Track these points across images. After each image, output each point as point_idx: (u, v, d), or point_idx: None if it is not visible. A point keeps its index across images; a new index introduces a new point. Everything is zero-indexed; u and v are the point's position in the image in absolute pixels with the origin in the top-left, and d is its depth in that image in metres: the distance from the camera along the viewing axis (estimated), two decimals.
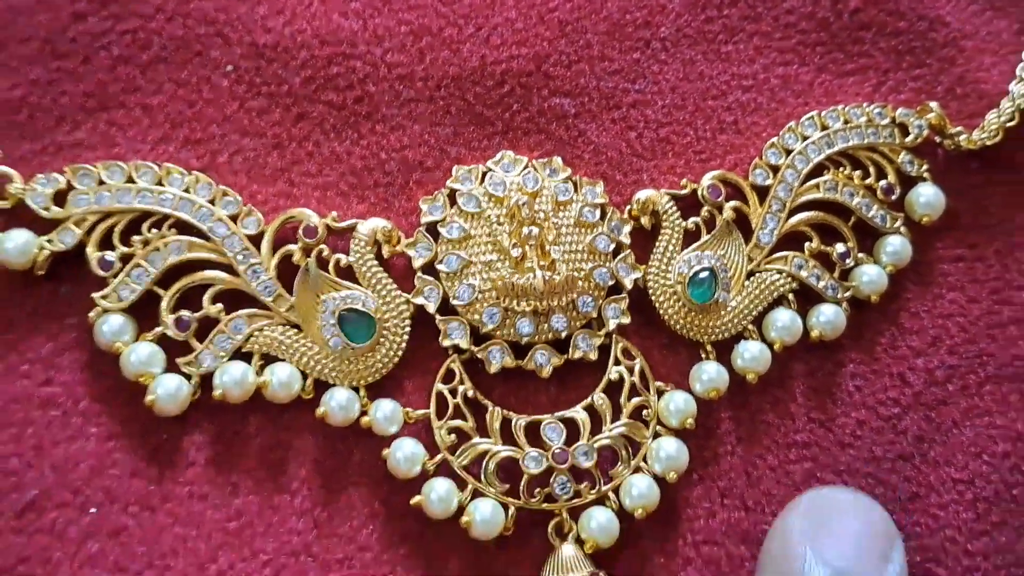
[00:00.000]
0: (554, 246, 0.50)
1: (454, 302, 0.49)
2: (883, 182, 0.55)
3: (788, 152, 0.54)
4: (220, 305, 0.49)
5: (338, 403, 0.48)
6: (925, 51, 0.58)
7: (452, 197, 0.51)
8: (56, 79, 0.51)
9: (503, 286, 0.49)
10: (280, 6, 0.53)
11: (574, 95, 0.55)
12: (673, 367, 0.52)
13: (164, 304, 0.48)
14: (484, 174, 0.52)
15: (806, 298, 0.53)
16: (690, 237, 0.53)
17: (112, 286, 0.48)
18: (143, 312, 0.48)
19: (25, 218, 0.49)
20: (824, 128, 0.55)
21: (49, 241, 0.48)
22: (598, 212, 0.51)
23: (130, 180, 0.49)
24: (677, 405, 0.50)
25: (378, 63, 0.53)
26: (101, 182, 0.49)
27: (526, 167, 0.52)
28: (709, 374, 0.51)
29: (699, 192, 0.53)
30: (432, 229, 0.51)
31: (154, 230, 0.49)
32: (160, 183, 0.49)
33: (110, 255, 0.48)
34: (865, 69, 0.57)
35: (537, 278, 0.49)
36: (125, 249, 0.49)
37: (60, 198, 0.49)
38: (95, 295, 0.48)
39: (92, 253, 0.48)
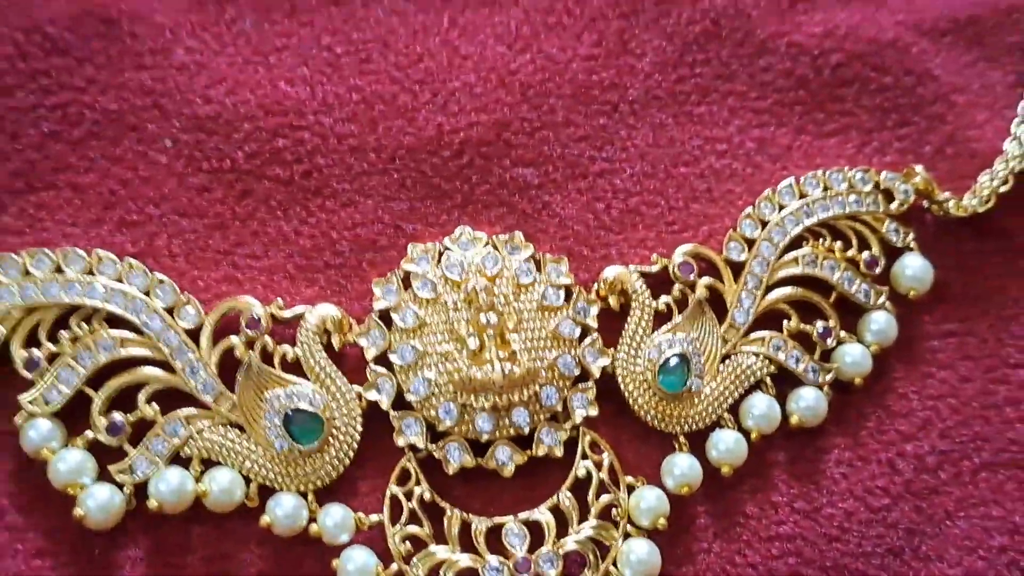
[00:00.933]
0: (515, 334, 0.47)
1: (409, 397, 0.46)
2: (866, 254, 0.52)
3: (764, 223, 0.51)
4: (156, 406, 0.45)
5: (284, 511, 0.45)
6: (912, 108, 0.55)
7: (407, 280, 0.48)
8: None
9: (460, 380, 0.45)
10: (222, 75, 0.50)
11: (537, 164, 0.51)
12: (644, 459, 0.48)
13: (95, 406, 0.45)
14: (441, 253, 0.48)
15: (785, 380, 0.50)
16: (661, 318, 0.49)
17: (39, 388, 0.45)
18: (73, 414, 0.45)
19: None
20: (802, 196, 0.52)
21: None
22: (562, 293, 0.48)
23: (58, 269, 0.46)
24: (648, 503, 0.47)
25: (328, 134, 0.50)
26: (27, 272, 0.46)
27: (486, 244, 0.49)
28: (681, 468, 0.47)
29: (670, 269, 0.50)
30: (385, 315, 0.47)
31: (84, 324, 0.45)
32: (91, 272, 0.46)
33: (36, 353, 0.45)
34: (847, 129, 0.54)
35: (496, 371, 0.45)
36: (52, 347, 0.45)
37: None
38: (21, 397, 0.45)
39: (17, 352, 0.45)
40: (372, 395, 0.46)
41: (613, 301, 0.49)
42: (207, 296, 0.48)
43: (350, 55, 0.52)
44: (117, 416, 0.45)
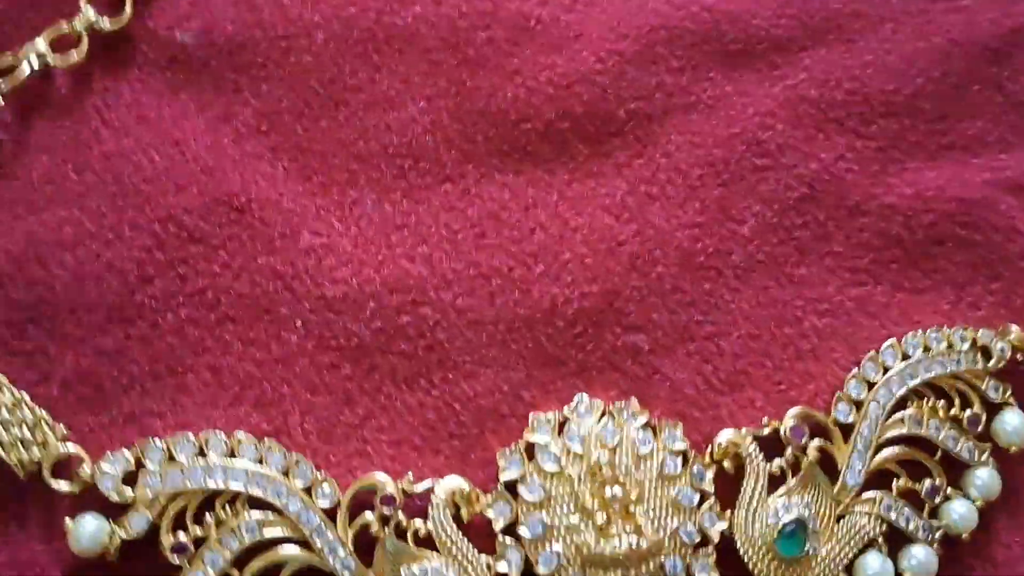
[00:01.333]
0: (638, 506, 0.48)
1: (539, 570, 0.48)
2: (968, 412, 0.53)
3: (870, 384, 0.52)
4: None
5: None
6: (1002, 262, 0.57)
7: (530, 450, 0.50)
8: (124, 347, 0.50)
9: (589, 555, 0.47)
10: (347, 257, 0.53)
11: (647, 330, 0.53)
12: None
13: None
14: (562, 424, 0.50)
15: (895, 537, 0.51)
16: (774, 480, 0.51)
17: (187, 573, 0.47)
18: None
19: (94, 500, 0.47)
20: (905, 357, 0.53)
21: (120, 527, 0.47)
22: (680, 460, 0.50)
23: (201, 452, 0.48)
24: None
25: (448, 308, 0.53)
26: (171, 458, 0.48)
27: (604, 414, 0.51)
28: None
29: (782, 432, 0.51)
30: (511, 486, 0.49)
31: (228, 508, 0.48)
32: (232, 454, 0.48)
33: (183, 538, 0.47)
34: (941, 285, 0.56)
35: (623, 546, 0.47)
36: (199, 531, 0.47)
37: (129, 477, 0.48)
38: None
39: (166, 539, 0.47)
40: (502, 567, 0.48)
41: (728, 464, 0.51)
42: (339, 471, 0.50)
43: (466, 231, 0.54)
44: None
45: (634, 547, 0.47)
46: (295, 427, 0.51)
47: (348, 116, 0.55)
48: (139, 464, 0.48)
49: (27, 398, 0.48)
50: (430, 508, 0.49)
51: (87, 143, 0.54)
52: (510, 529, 0.49)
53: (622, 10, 0.58)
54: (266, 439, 0.49)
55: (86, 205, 0.52)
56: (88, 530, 0.47)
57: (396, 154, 0.55)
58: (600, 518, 0.48)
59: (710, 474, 0.50)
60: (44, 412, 0.48)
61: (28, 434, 0.48)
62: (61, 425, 0.48)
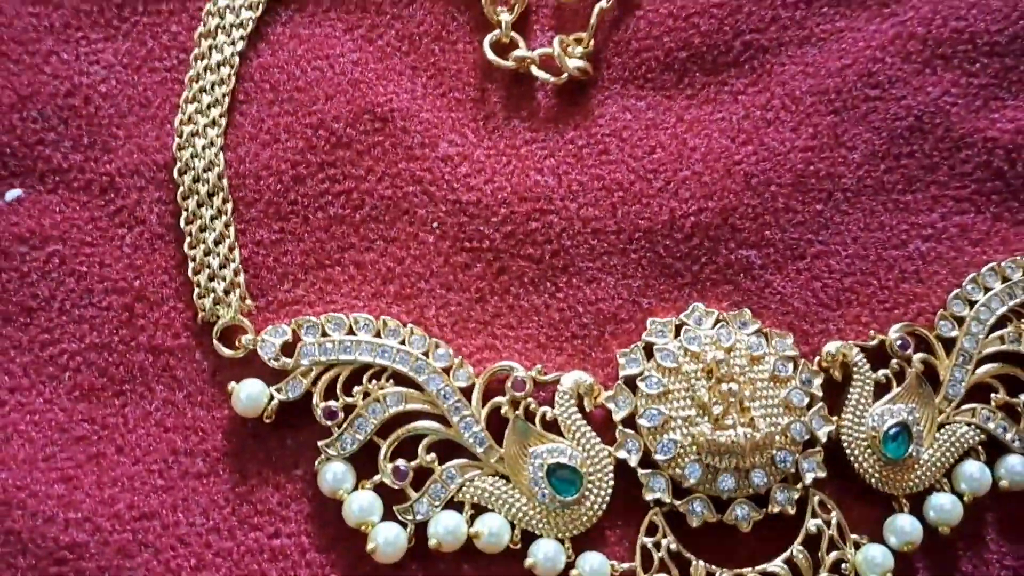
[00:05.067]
0: (753, 402, 0.52)
1: (656, 457, 0.51)
2: None
3: (971, 303, 0.55)
4: (434, 455, 0.51)
5: (545, 554, 0.50)
6: None
7: (648, 350, 0.53)
8: (278, 239, 0.55)
9: (705, 443, 0.50)
10: (481, 165, 0.56)
11: (760, 247, 0.57)
12: (866, 519, 0.53)
13: (382, 453, 0.51)
14: (678, 328, 0.54)
15: (993, 447, 0.54)
16: (879, 389, 0.54)
17: (336, 435, 0.51)
18: (361, 460, 0.51)
19: (255, 368, 0.52)
20: (1005, 279, 0.56)
21: (278, 391, 0.51)
22: (791, 365, 0.53)
23: (351, 332, 0.52)
24: (876, 559, 0.51)
25: (573, 218, 0.56)
26: (325, 334, 0.52)
27: (718, 320, 0.54)
28: (905, 528, 0.52)
29: (888, 345, 0.54)
30: (630, 382, 0.53)
31: (374, 381, 0.52)
32: (379, 335, 0.52)
33: (334, 405, 0.51)
34: None
35: (739, 436, 0.50)
36: (348, 399, 0.51)
37: (287, 349, 0.52)
38: (321, 443, 0.51)
39: (318, 403, 0.51)
40: (622, 454, 0.52)
41: (835, 372, 0.54)
42: (471, 361, 0.54)
43: (590, 147, 0.58)
44: (401, 463, 0.51)
45: (748, 438, 0.50)
46: (430, 320, 0.54)
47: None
48: (296, 339, 0.52)
49: (238, 260, 0.53)
50: (556, 396, 0.52)
51: (246, 55, 0.58)
52: (629, 421, 0.52)
53: None
54: (410, 324, 0.53)
55: (245, 111, 0.57)
56: (251, 392, 0.51)
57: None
58: (717, 410, 0.51)
59: (818, 380, 0.53)
60: (243, 280, 0.52)
61: (223, 292, 0.52)
62: (250, 299, 0.52)
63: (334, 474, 0.50)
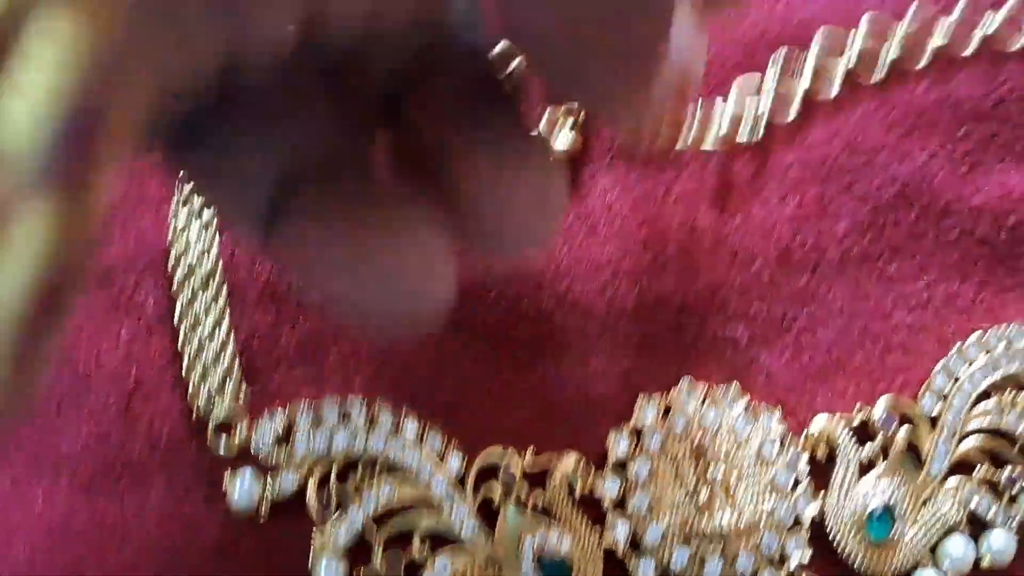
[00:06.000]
0: (737, 485, 0.53)
1: (644, 542, 0.52)
2: None
3: (955, 377, 0.56)
4: (427, 544, 0.52)
5: None
6: None
7: (637, 432, 0.54)
8: (274, 324, 0.56)
9: (692, 530, 0.52)
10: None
11: (747, 321, 0.57)
12: None
13: (376, 543, 0.52)
14: (667, 407, 0.55)
15: (976, 524, 0.55)
16: (864, 466, 0.55)
17: (330, 526, 0.52)
18: (353, 551, 0.52)
19: (251, 459, 0.53)
20: (988, 351, 0.57)
21: (273, 483, 0.53)
22: (777, 444, 0.54)
23: (345, 419, 0.53)
24: None
25: (562, 298, 0.57)
26: (318, 423, 0.53)
27: (705, 398, 0.55)
28: None
29: (872, 420, 0.55)
30: (619, 465, 0.54)
31: (368, 471, 0.53)
32: (372, 422, 0.53)
33: (327, 496, 0.52)
34: None
35: (724, 522, 0.52)
36: (341, 490, 0.53)
37: (281, 440, 0.53)
38: (314, 536, 0.52)
39: (312, 496, 0.52)
40: (611, 538, 0.53)
41: (820, 450, 0.55)
42: (465, 445, 0.55)
43: (580, 223, 0.59)
44: (394, 553, 0.52)
45: (734, 524, 0.52)
46: (423, 403, 0.55)
47: None
48: (290, 428, 0.53)
49: (233, 349, 0.53)
50: (547, 481, 0.53)
51: None
52: (619, 504, 0.53)
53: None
54: (404, 408, 0.54)
55: None
56: (246, 485, 0.52)
57: None
58: (703, 495, 0.52)
59: (804, 458, 0.54)
60: (238, 371, 0.53)
61: (218, 384, 0.53)
62: (245, 389, 0.54)
63: (328, 565, 0.52)
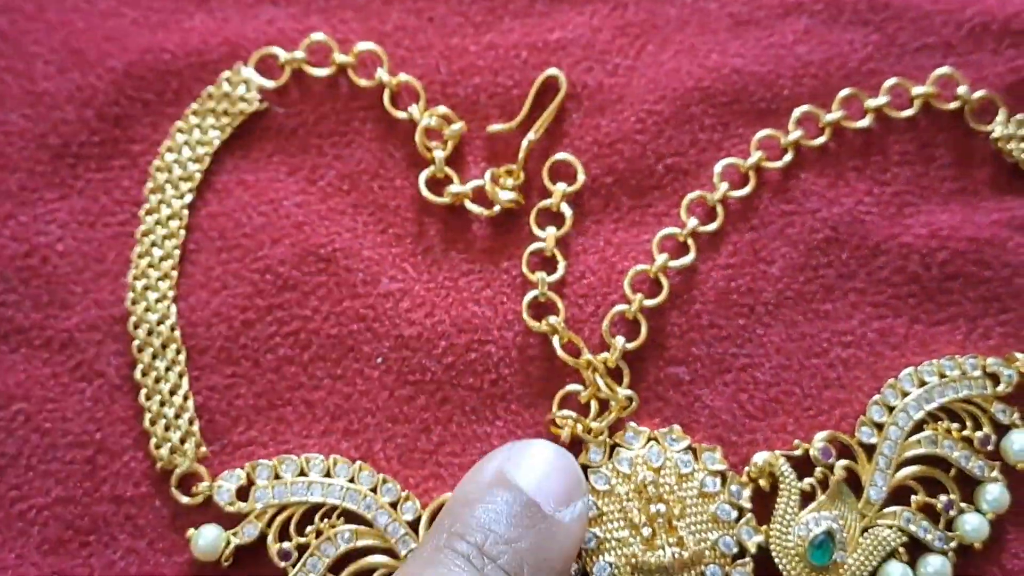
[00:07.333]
0: (681, 520, 0.55)
1: None
2: (979, 433, 0.59)
3: (890, 409, 0.59)
4: None
5: None
6: (1011, 296, 0.62)
7: (584, 472, 0.56)
8: (231, 384, 0.58)
9: (636, 564, 0.54)
10: (421, 299, 0.60)
11: (688, 363, 0.60)
12: None
13: None
14: (612, 448, 0.57)
15: (915, 547, 0.57)
16: (806, 497, 0.57)
17: (292, 574, 0.54)
18: None
19: (212, 511, 0.55)
20: (922, 384, 0.59)
21: (235, 535, 0.55)
22: (719, 479, 0.56)
23: (302, 473, 0.56)
24: None
25: (510, 347, 0.59)
26: (277, 476, 0.55)
27: (649, 440, 0.57)
28: None
29: (811, 453, 0.57)
30: None
31: (326, 519, 0.55)
32: (328, 474, 0.56)
33: (287, 545, 0.54)
34: (955, 318, 0.62)
35: (667, 556, 0.54)
36: (301, 539, 0.55)
37: (241, 493, 0.55)
38: None
39: (272, 545, 0.54)
40: None
41: (763, 482, 0.57)
42: (418, 492, 0.57)
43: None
44: None
45: (677, 557, 0.54)
46: (378, 453, 0.58)
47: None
48: (250, 483, 0.55)
49: (192, 408, 0.56)
50: None
51: (196, 206, 0.61)
52: None
53: (659, 74, 0.65)
54: (359, 462, 0.56)
55: (196, 260, 0.60)
56: (208, 538, 0.54)
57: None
58: (647, 532, 0.54)
59: (747, 492, 0.57)
60: (197, 428, 0.56)
61: (178, 441, 0.55)
62: (204, 446, 0.56)
63: None
